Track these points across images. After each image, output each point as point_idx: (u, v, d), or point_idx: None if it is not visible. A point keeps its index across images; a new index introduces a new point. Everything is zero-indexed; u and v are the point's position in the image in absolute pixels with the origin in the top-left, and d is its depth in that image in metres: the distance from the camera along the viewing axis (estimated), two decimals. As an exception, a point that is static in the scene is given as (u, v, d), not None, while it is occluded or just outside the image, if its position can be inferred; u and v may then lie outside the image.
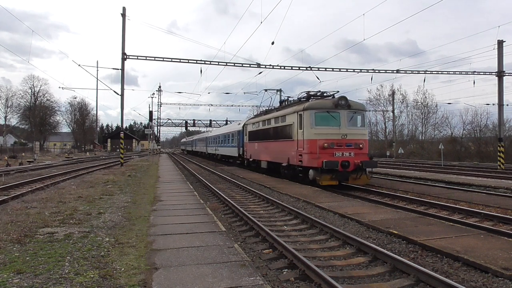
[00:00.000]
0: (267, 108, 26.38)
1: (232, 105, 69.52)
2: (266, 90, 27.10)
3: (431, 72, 30.13)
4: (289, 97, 21.03)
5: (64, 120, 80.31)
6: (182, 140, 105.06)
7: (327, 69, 28.30)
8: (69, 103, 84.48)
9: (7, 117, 65.59)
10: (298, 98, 18.40)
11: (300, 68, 28.08)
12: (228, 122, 67.70)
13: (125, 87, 26.34)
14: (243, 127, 26.39)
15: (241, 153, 26.94)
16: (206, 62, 26.94)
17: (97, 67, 79.19)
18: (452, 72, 30.68)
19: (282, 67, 27.61)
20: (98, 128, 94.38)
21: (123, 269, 4.74)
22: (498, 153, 27.06)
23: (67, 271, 4.62)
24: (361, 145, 15.00)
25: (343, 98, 15.22)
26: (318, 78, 30.77)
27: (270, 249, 6.60)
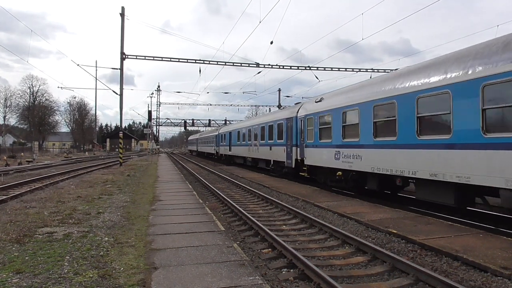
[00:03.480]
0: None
1: (231, 105, 68.82)
2: None
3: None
4: None
5: (63, 120, 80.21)
6: (191, 138, 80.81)
7: (326, 69, 28.34)
8: (68, 102, 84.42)
9: (6, 117, 65.56)
10: None
11: (299, 68, 28.10)
12: (228, 122, 65.90)
13: (123, 86, 26.30)
14: None
15: None
16: (205, 62, 26.97)
17: (96, 66, 79.13)
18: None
19: (281, 67, 27.65)
20: (97, 128, 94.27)
21: (122, 268, 4.74)
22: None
23: (66, 270, 4.62)
24: None
25: None
26: (317, 78, 30.80)
27: (269, 249, 6.60)
